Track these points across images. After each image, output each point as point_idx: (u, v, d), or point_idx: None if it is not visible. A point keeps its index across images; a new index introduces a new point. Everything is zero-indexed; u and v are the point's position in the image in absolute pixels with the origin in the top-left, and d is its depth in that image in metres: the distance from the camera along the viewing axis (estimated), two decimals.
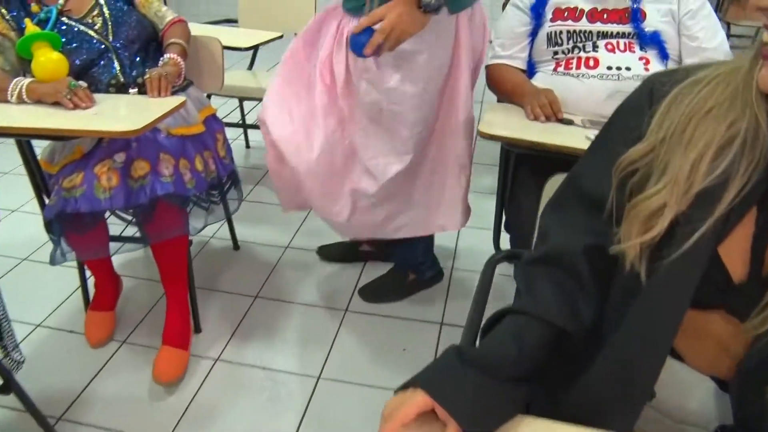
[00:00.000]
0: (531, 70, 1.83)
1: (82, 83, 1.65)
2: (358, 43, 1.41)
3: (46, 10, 1.76)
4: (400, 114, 1.62)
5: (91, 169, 1.59)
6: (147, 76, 1.73)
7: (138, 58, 1.84)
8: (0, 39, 1.71)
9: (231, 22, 3.04)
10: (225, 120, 3.17)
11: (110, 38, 1.80)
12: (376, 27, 1.41)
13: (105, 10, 1.83)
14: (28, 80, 1.66)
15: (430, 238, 2.09)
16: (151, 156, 1.65)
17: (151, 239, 1.73)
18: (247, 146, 3.23)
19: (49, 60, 1.66)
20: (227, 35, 2.32)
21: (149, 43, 1.91)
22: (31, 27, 1.68)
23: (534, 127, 1.55)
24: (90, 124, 1.51)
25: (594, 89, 1.66)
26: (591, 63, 1.69)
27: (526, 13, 1.81)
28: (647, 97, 0.82)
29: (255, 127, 3.10)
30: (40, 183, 1.85)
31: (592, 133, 1.45)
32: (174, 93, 1.79)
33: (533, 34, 1.80)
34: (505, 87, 1.80)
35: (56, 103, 1.61)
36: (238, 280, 2.22)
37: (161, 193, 1.60)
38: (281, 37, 2.50)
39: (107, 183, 1.58)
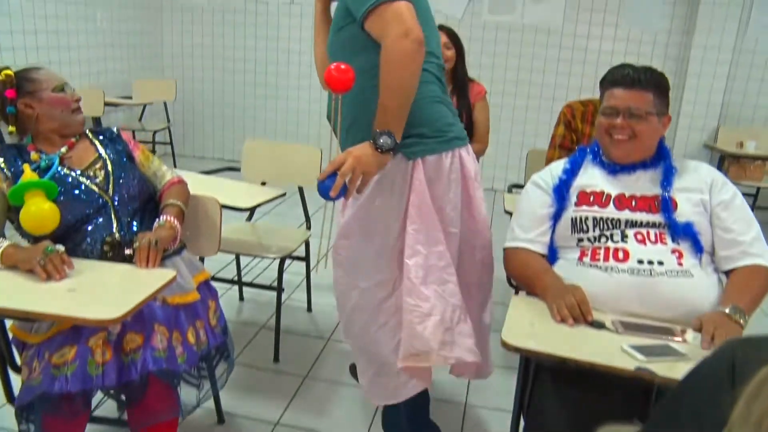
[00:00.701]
0: (552, 255, 1.71)
1: (60, 248, 1.51)
2: (324, 189, 1.48)
3: (46, 158, 1.69)
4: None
5: (84, 342, 1.44)
6: (136, 243, 1.60)
7: (136, 217, 1.74)
8: None
9: (233, 170, 2.99)
10: (219, 275, 3.07)
11: (111, 193, 1.71)
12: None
13: (108, 163, 1.76)
14: (5, 244, 1.54)
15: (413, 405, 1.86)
16: (145, 328, 1.51)
17: (139, 425, 1.54)
18: (241, 299, 3.06)
19: (39, 210, 1.55)
20: (227, 191, 2.24)
21: (148, 202, 1.82)
22: (28, 174, 1.59)
23: (561, 331, 1.39)
24: (63, 306, 1.35)
25: (624, 285, 1.53)
26: (620, 255, 1.56)
27: (548, 194, 1.72)
28: (728, 373, 0.67)
29: (252, 285, 2.96)
30: (6, 354, 1.65)
31: (627, 344, 1.30)
32: (167, 257, 1.68)
33: (556, 217, 1.70)
34: (525, 275, 1.67)
35: (31, 271, 1.47)
36: None
37: (153, 369, 1.45)
38: (284, 194, 2.41)
39: (101, 357, 1.43)
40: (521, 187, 3.07)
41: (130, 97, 5.20)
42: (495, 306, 3.07)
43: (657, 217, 1.59)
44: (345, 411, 2.24)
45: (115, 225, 1.68)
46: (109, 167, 1.75)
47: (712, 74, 4.87)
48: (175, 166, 5.28)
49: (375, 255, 1.68)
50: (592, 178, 1.69)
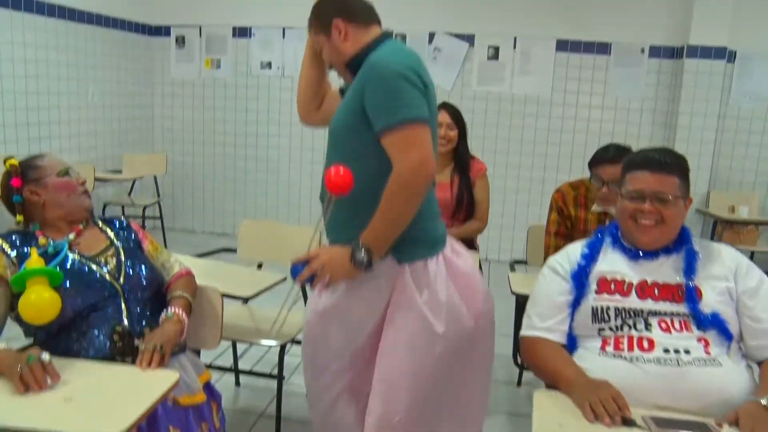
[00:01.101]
0: (572, 343, 1.65)
1: (45, 357, 1.40)
2: (294, 272, 1.57)
3: (55, 244, 1.64)
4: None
5: None
6: (142, 345, 1.53)
7: (146, 307, 1.69)
8: None
9: (228, 251, 2.93)
10: (215, 363, 2.93)
11: (122, 281, 1.66)
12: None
13: (120, 251, 1.72)
14: None
15: None
16: (160, 431, 1.44)
17: None
18: (237, 384, 2.93)
19: (39, 298, 1.48)
20: (225, 276, 2.17)
21: (157, 293, 1.77)
22: (34, 259, 1.53)
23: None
24: (56, 419, 1.25)
25: (651, 376, 1.46)
26: (645, 344, 1.51)
27: (566, 281, 1.66)
28: None
29: (251, 373, 2.85)
30: None
31: None
32: (173, 355, 1.61)
33: (575, 304, 1.64)
34: (545, 368, 1.60)
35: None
36: None
37: None
38: (284, 279, 2.34)
39: None
40: (524, 263, 3.06)
41: (120, 171, 5.17)
42: (499, 384, 3.02)
43: (681, 308, 1.54)
44: None
45: (125, 314, 1.62)
46: (122, 255, 1.71)
47: (699, 140, 4.95)
48: (164, 241, 5.25)
49: (343, 343, 1.69)
50: (612, 263, 1.64)
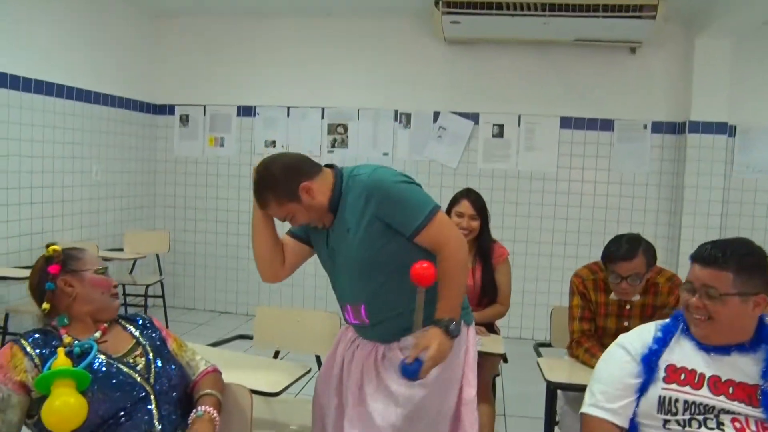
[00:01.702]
0: (633, 430, 1.56)
1: None
2: (412, 372, 1.63)
3: (81, 343, 1.53)
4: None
5: None
6: None
7: (177, 409, 1.59)
8: (6, 391, 1.43)
9: (244, 338, 2.81)
10: None
11: (152, 382, 1.56)
12: (422, 356, 1.64)
13: (148, 350, 1.63)
14: None
15: None
16: None
17: None
18: None
19: (64, 404, 1.38)
20: (245, 368, 2.05)
21: (185, 394, 1.68)
22: (62, 359, 1.44)
23: None
24: None
25: None
26: None
27: (636, 363, 1.58)
28: None
29: None
30: None
31: None
32: None
33: (641, 389, 1.56)
34: None
35: None
36: None
37: None
38: (309, 371, 2.23)
39: None
40: (548, 346, 2.97)
41: (122, 249, 5.07)
42: None
43: (757, 412, 1.45)
44: None
45: (156, 418, 1.52)
46: (150, 354, 1.63)
47: (706, 213, 4.94)
48: (165, 319, 5.10)
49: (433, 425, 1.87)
50: (683, 352, 1.57)
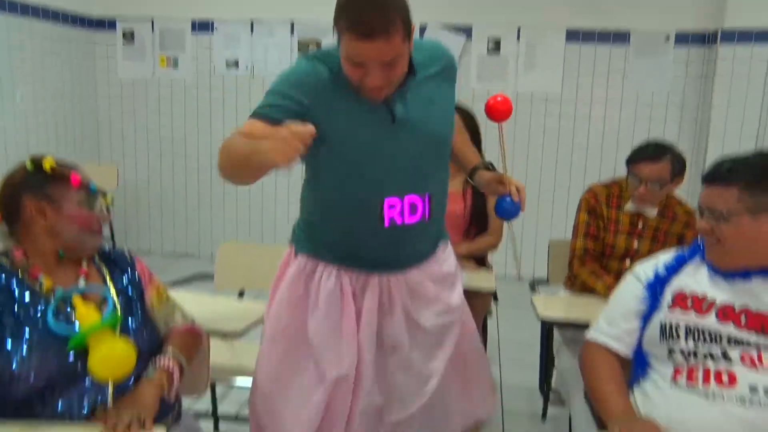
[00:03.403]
0: (642, 361, 1.65)
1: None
2: (505, 209, 1.82)
3: (65, 292, 1.48)
4: None
5: None
6: (111, 412, 1.42)
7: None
8: None
9: (204, 277, 2.85)
10: (189, 408, 2.83)
11: None
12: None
13: (117, 305, 1.56)
14: None
15: None
16: None
17: None
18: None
19: (112, 352, 1.40)
20: (205, 308, 2.08)
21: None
22: (83, 309, 1.43)
23: None
24: None
25: (733, 419, 1.42)
26: (725, 379, 1.46)
27: (643, 288, 1.67)
28: None
29: (237, 419, 2.82)
30: None
31: None
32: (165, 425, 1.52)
33: (646, 317, 1.64)
34: (595, 386, 1.63)
35: None
36: None
37: None
38: None
39: None
40: (545, 283, 3.03)
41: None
42: (522, 418, 2.97)
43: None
44: None
45: (110, 389, 1.48)
46: (119, 310, 1.55)
47: (738, 136, 4.83)
48: None
49: None
50: (695, 278, 1.63)
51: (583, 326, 1.88)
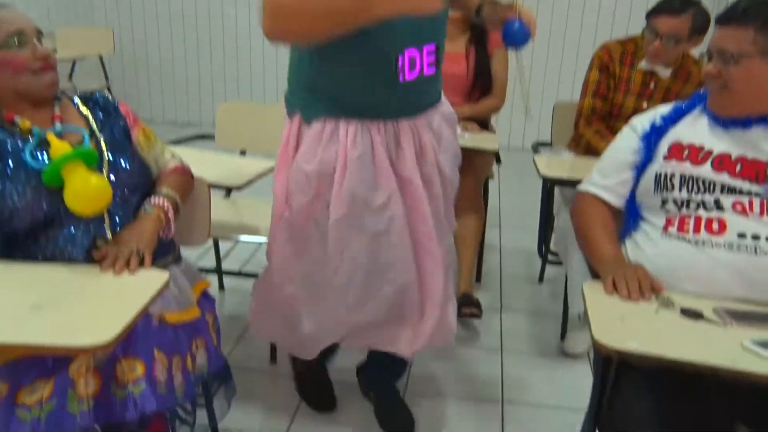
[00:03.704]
0: (634, 212, 1.66)
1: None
2: (513, 34, 1.68)
3: (41, 131, 1.46)
4: None
5: (64, 372, 1.28)
6: (111, 247, 1.44)
7: (134, 217, 1.56)
8: None
9: (205, 137, 2.84)
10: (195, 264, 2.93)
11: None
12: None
13: (103, 144, 1.54)
14: None
15: None
16: (144, 353, 1.37)
17: None
18: (221, 287, 2.94)
19: (86, 185, 1.40)
20: (207, 165, 2.08)
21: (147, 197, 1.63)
22: (58, 145, 1.42)
23: (656, 325, 1.33)
24: (23, 331, 1.18)
25: (720, 264, 1.45)
26: (715, 227, 1.48)
27: (638, 139, 1.67)
28: None
29: (240, 274, 2.89)
30: None
31: (748, 340, 1.22)
32: (164, 265, 1.54)
33: (640, 168, 1.65)
34: (585, 235, 1.67)
35: None
36: None
37: (157, 409, 1.32)
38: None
39: (84, 390, 1.27)
40: (548, 145, 3.01)
41: (54, 50, 4.89)
42: (519, 281, 3.06)
43: (761, 189, 1.49)
44: (361, 414, 2.17)
45: (107, 224, 1.49)
46: (105, 150, 1.54)
47: None
48: None
49: None
50: (693, 129, 1.61)
51: None
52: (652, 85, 2.50)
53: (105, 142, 1.55)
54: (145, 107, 5.80)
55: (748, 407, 1.42)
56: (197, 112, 5.68)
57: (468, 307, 2.59)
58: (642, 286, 1.41)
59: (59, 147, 1.42)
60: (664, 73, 2.47)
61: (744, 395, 1.38)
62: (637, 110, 2.45)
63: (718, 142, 1.55)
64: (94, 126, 1.57)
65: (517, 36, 1.68)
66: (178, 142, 2.55)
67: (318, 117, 1.67)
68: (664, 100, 2.45)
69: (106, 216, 1.50)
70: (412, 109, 1.72)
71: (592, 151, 2.50)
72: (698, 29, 2.36)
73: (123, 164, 1.56)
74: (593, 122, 2.55)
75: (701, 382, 1.31)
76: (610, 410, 1.47)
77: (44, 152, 1.45)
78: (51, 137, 1.43)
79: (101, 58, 5.21)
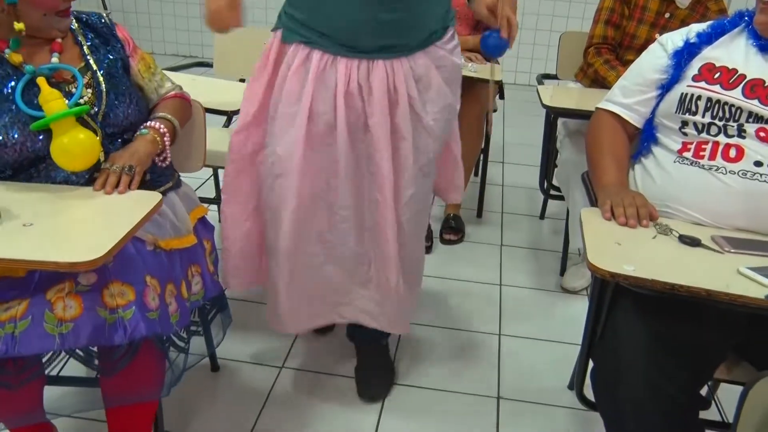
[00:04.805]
0: (649, 134, 1.61)
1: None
2: (492, 45, 1.65)
3: (39, 69, 1.42)
4: None
5: (41, 294, 1.27)
6: (104, 165, 1.43)
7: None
8: None
9: (204, 65, 2.79)
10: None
11: (99, 119, 1.47)
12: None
13: (100, 78, 1.49)
14: None
15: None
16: (135, 279, 1.34)
17: (116, 400, 1.41)
18: (220, 220, 2.92)
19: (74, 141, 1.37)
20: (204, 91, 2.05)
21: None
22: (47, 91, 1.37)
23: (652, 251, 1.32)
24: (13, 248, 1.17)
25: (731, 191, 1.41)
26: (732, 153, 1.44)
27: (668, 57, 1.60)
28: None
29: None
30: None
31: (744, 266, 1.21)
32: (163, 192, 1.51)
33: (666, 87, 1.59)
34: (594, 156, 1.64)
35: None
36: (216, 418, 1.89)
37: (148, 334, 1.30)
38: None
39: (63, 312, 1.26)
40: (554, 77, 2.95)
41: None
42: (520, 217, 3.05)
43: None
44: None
45: (101, 161, 1.46)
46: (102, 84, 1.49)
47: None
48: None
49: None
50: (731, 51, 1.54)
51: (590, 117, 1.81)
52: (667, 15, 2.42)
53: (103, 75, 1.50)
54: (146, 39, 5.70)
55: (741, 338, 1.42)
56: (199, 45, 5.58)
57: (447, 232, 2.84)
58: (640, 213, 1.40)
59: (49, 96, 1.37)
60: (683, 2, 2.39)
61: (738, 326, 1.38)
62: (649, 41, 2.38)
63: (753, 68, 1.48)
64: (90, 59, 1.51)
65: (493, 50, 1.67)
66: (175, 69, 2.50)
67: (293, 41, 1.60)
68: None
69: (102, 157, 1.47)
70: (391, 46, 1.58)
71: (599, 82, 2.45)
72: None
73: (120, 99, 1.52)
74: (603, 51, 2.48)
75: (695, 312, 1.31)
76: (603, 339, 1.47)
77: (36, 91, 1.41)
78: (42, 82, 1.38)
79: None
